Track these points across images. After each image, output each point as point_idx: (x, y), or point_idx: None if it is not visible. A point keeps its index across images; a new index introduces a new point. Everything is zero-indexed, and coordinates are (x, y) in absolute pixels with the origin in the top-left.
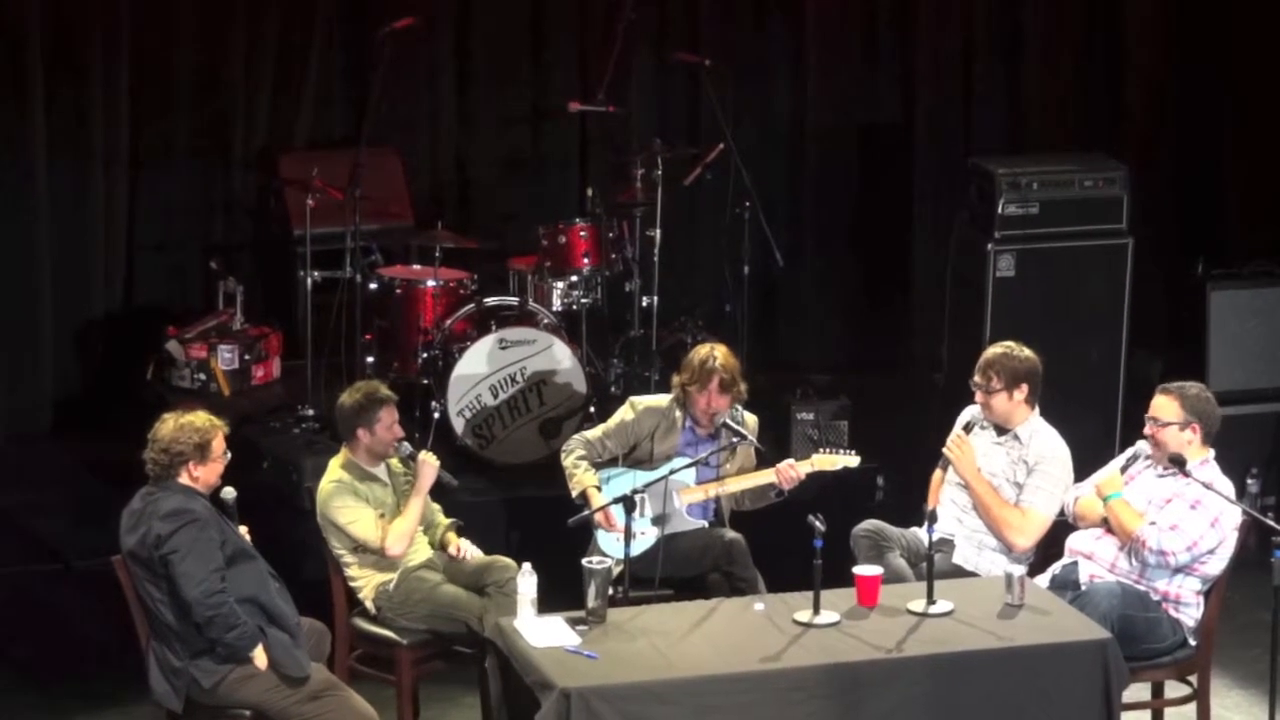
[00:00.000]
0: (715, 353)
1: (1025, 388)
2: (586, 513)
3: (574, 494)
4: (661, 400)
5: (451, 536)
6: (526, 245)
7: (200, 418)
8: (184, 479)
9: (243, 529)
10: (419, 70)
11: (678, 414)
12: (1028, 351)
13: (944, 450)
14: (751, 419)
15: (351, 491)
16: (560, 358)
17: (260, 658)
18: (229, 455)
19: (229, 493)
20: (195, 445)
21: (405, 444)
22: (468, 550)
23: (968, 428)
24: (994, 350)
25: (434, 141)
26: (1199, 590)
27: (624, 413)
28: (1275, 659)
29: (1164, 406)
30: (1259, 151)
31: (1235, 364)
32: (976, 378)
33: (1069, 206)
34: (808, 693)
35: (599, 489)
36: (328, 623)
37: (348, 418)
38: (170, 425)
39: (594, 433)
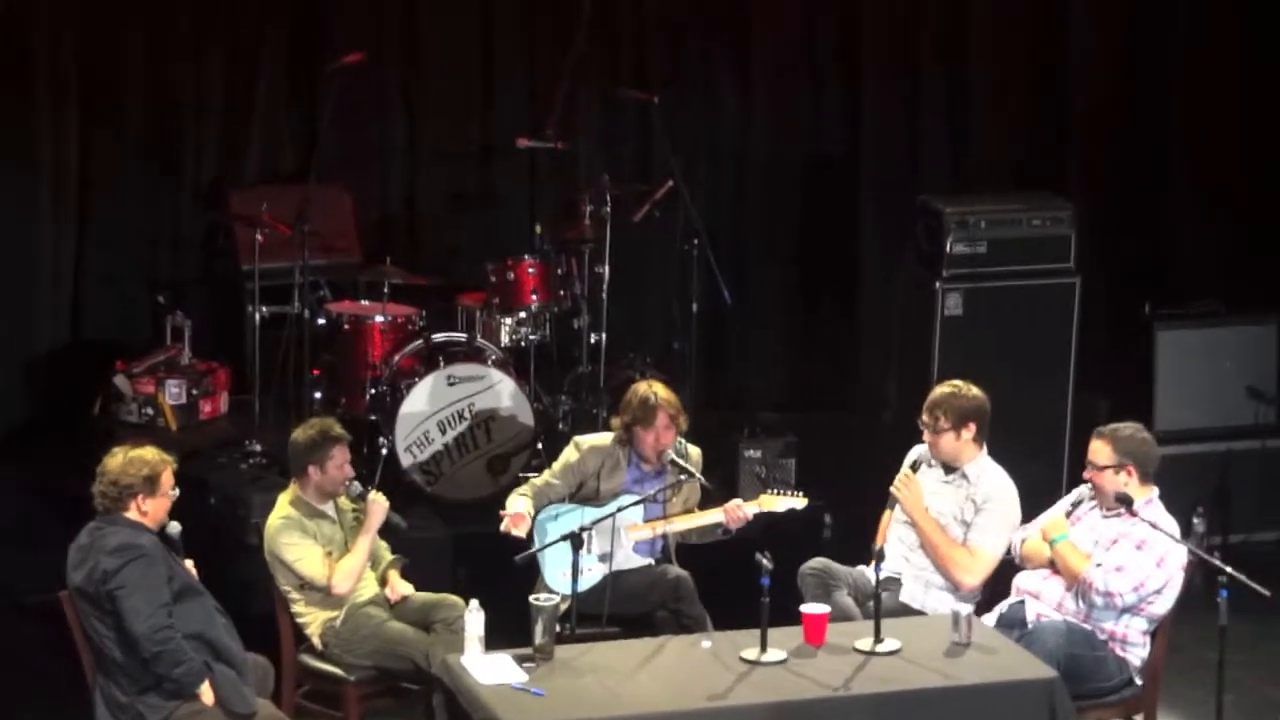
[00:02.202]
0: (654, 389)
1: (973, 426)
2: (533, 550)
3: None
4: (605, 439)
5: (393, 575)
6: (475, 281)
7: (150, 452)
8: (132, 513)
9: (188, 563)
10: (368, 106)
11: (621, 453)
12: (975, 390)
13: (891, 489)
14: (695, 451)
15: (299, 528)
16: (508, 394)
17: (207, 694)
18: (177, 491)
19: (174, 528)
20: (144, 478)
21: (356, 483)
22: (403, 590)
23: (915, 466)
24: (941, 389)
25: (383, 177)
26: (1145, 630)
27: (569, 454)
28: (1221, 698)
29: (1098, 450)
30: (1206, 191)
31: (1182, 404)
32: (924, 417)
33: (1017, 245)
34: None
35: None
36: (274, 658)
37: (300, 454)
38: (119, 458)
39: (540, 480)
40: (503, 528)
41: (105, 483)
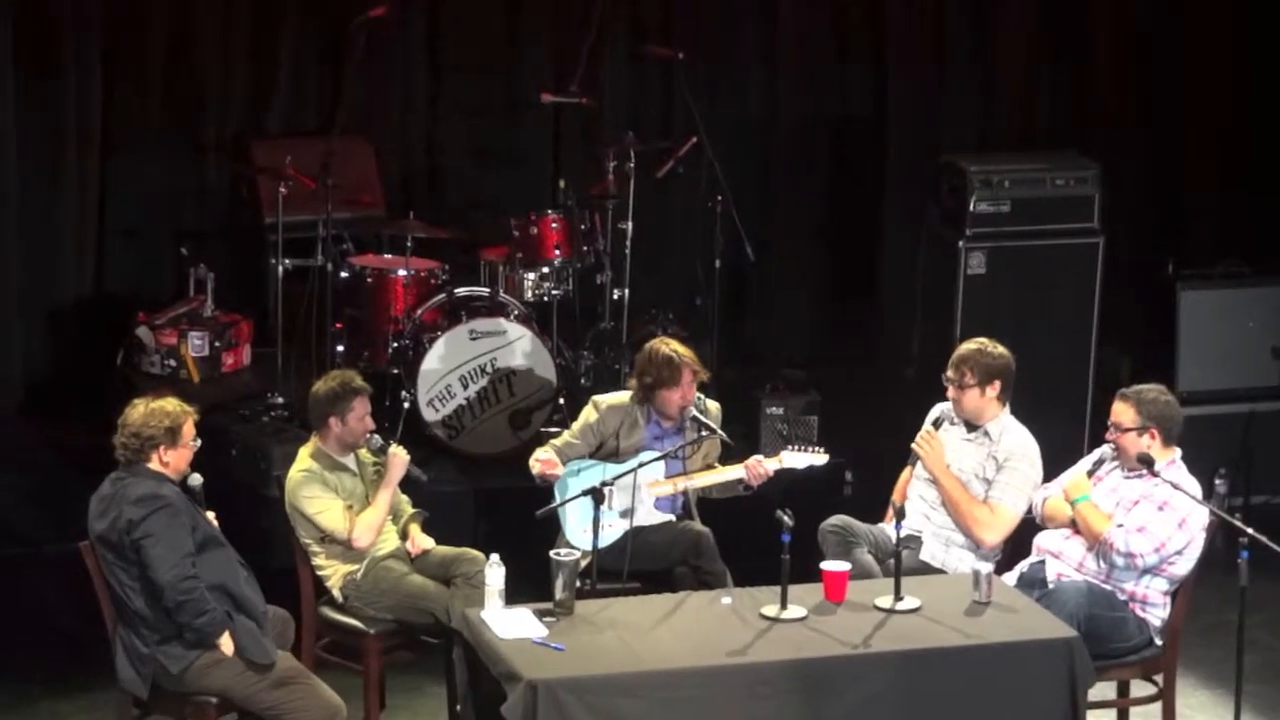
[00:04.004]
0: (674, 348)
1: (998, 384)
2: (554, 505)
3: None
4: (623, 397)
5: (414, 529)
6: (498, 236)
7: (170, 403)
8: (154, 464)
9: (210, 515)
10: (392, 59)
11: (639, 411)
12: (1001, 349)
13: (913, 446)
14: (714, 406)
15: (320, 481)
16: (530, 349)
17: (226, 644)
18: (198, 441)
19: (196, 480)
20: (166, 430)
21: (376, 436)
22: (424, 544)
23: (937, 423)
24: (968, 346)
25: (406, 131)
26: (1166, 591)
27: (587, 414)
28: (1241, 659)
29: (1122, 412)
30: (1229, 152)
31: (1204, 364)
32: (949, 373)
33: (1040, 205)
34: (774, 687)
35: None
36: (295, 611)
37: (320, 405)
38: (140, 410)
39: (559, 440)
40: (536, 472)
41: (127, 434)
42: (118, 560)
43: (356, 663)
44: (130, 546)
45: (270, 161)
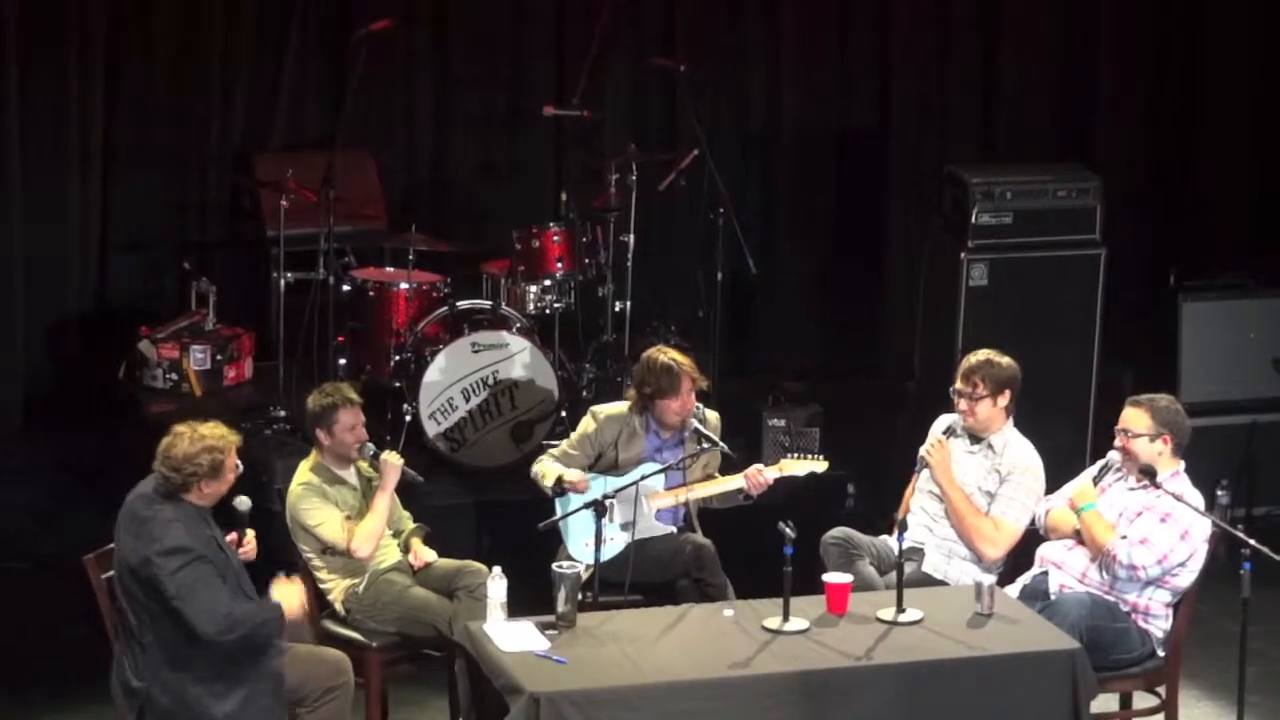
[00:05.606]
0: (673, 356)
1: (1008, 394)
2: (556, 518)
3: (548, 488)
4: (621, 408)
5: (415, 542)
6: (500, 249)
7: (214, 434)
8: (193, 496)
9: (250, 533)
10: (394, 72)
11: (637, 421)
12: (1008, 359)
13: (921, 453)
14: (713, 416)
15: (320, 494)
16: (532, 362)
17: (286, 593)
18: (240, 467)
19: (243, 503)
20: (209, 465)
21: (369, 444)
22: (426, 557)
23: (948, 433)
24: (977, 357)
25: (409, 144)
26: (1169, 602)
27: (586, 424)
28: (1243, 670)
29: (1134, 418)
30: (1232, 163)
31: (1207, 375)
32: (960, 384)
33: (1042, 216)
34: (776, 700)
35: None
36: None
37: (309, 419)
38: (185, 443)
39: (558, 451)
40: (567, 479)
41: (168, 468)
42: (141, 591)
43: (358, 676)
44: (149, 584)
45: (272, 175)
